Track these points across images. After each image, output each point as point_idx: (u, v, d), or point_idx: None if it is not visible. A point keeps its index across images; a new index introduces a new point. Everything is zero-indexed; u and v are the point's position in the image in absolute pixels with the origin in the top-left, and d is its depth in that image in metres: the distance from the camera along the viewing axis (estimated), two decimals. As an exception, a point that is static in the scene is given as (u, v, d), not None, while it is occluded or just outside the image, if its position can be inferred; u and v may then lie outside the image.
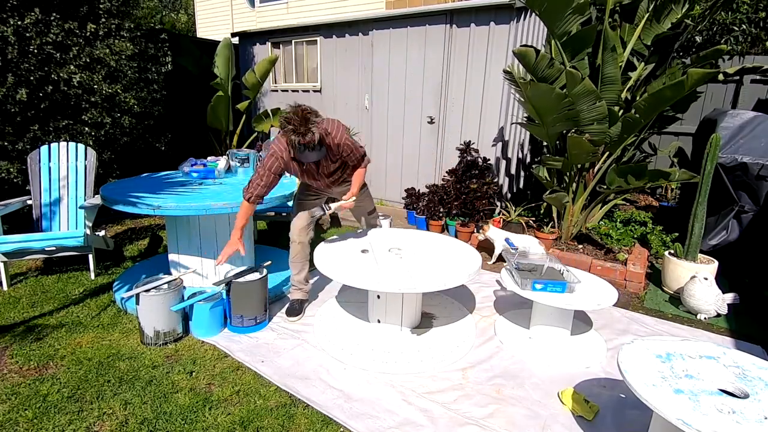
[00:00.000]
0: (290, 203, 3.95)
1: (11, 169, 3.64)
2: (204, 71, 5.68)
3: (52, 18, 3.76)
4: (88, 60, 4.03)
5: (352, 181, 2.58)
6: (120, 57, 4.29)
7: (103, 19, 4.19)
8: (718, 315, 2.90)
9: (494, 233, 3.69)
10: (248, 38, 6.48)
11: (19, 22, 3.54)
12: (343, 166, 2.53)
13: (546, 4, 3.07)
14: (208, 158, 3.54)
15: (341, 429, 1.85)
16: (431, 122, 4.86)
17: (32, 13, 3.60)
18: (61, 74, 3.80)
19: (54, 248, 3.05)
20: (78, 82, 3.89)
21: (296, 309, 2.79)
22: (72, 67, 3.87)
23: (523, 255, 2.81)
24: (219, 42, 5.64)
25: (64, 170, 3.46)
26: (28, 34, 3.60)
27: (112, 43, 4.20)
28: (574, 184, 3.81)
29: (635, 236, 3.87)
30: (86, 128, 4.12)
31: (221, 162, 3.40)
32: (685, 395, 1.44)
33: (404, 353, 2.32)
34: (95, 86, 4.07)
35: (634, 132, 3.42)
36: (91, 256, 3.22)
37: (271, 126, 5.73)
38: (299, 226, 2.69)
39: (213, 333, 2.52)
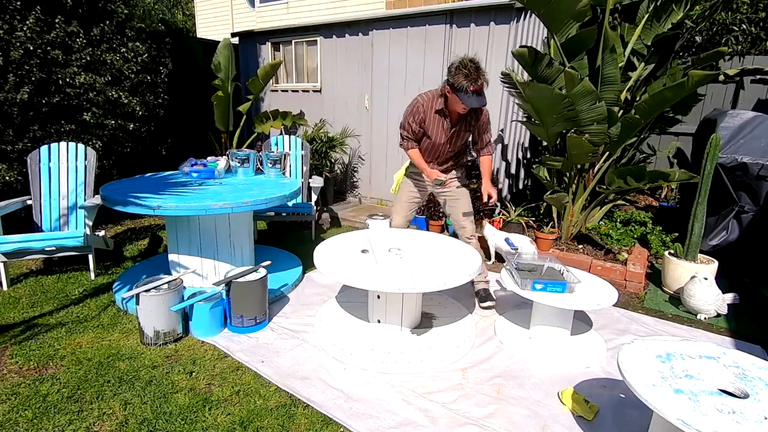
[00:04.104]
0: (290, 203, 3.99)
1: (8, 176, 3.60)
2: (206, 71, 5.68)
3: (56, 21, 3.75)
4: (90, 62, 4.01)
5: (481, 170, 2.82)
6: (126, 61, 4.27)
7: (107, 21, 4.19)
8: (718, 315, 2.90)
9: (489, 231, 3.72)
10: (248, 38, 6.47)
11: (22, 23, 3.53)
12: (466, 141, 2.72)
13: (546, 6, 3.07)
14: (208, 158, 3.54)
15: (341, 429, 1.85)
16: (431, 122, 4.85)
17: (33, 13, 3.59)
18: (66, 75, 3.79)
19: (54, 248, 3.04)
20: (81, 83, 3.88)
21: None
22: (74, 68, 3.86)
23: (517, 254, 2.82)
24: (220, 42, 5.64)
25: (64, 170, 3.46)
26: (29, 36, 3.59)
27: (117, 47, 4.19)
28: (574, 185, 3.81)
29: (635, 236, 3.87)
30: (89, 129, 4.10)
31: (221, 162, 3.40)
32: (685, 395, 1.44)
33: (404, 353, 2.32)
34: (98, 88, 4.05)
35: (634, 133, 3.42)
36: (91, 256, 3.22)
37: (272, 126, 5.72)
38: (399, 224, 3.01)
39: (213, 333, 2.52)
